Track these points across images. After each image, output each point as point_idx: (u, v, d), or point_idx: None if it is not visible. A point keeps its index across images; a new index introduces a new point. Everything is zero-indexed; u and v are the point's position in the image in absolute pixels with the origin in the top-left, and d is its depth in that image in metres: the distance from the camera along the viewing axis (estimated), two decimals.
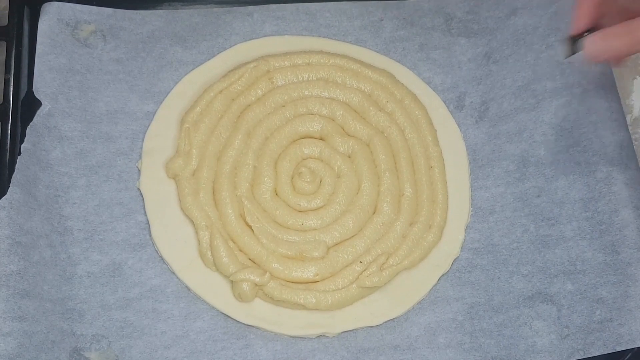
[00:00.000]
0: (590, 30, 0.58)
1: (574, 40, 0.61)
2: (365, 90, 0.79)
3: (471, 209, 0.76)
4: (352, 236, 0.74)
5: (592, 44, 0.57)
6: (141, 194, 0.75)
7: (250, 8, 0.82)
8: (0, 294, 0.65)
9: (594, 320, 0.69)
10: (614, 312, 0.68)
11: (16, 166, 0.70)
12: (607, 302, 0.69)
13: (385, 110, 0.78)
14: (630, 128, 0.77)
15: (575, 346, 0.69)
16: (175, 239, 0.74)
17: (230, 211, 0.74)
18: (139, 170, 0.76)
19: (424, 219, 0.74)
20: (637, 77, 0.84)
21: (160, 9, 0.82)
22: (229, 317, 0.71)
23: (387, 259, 0.73)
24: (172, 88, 0.79)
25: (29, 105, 0.74)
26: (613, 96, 0.76)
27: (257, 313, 0.71)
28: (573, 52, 0.61)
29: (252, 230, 0.73)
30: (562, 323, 0.70)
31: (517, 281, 0.72)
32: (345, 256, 0.73)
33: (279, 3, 0.83)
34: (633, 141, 0.76)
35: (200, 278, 0.72)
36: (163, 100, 0.78)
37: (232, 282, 0.71)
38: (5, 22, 0.78)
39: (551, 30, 0.79)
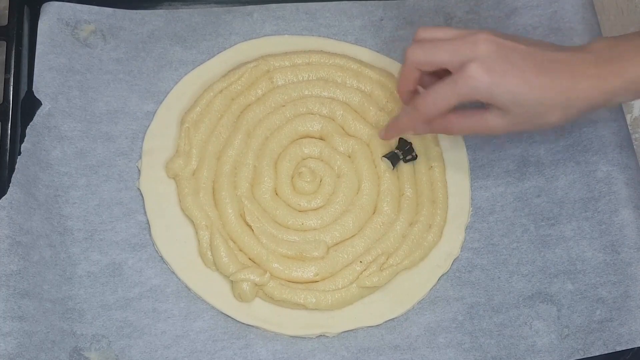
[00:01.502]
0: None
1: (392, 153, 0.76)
2: (365, 90, 0.79)
3: (471, 209, 0.76)
4: (352, 236, 0.74)
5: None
6: (141, 194, 0.75)
7: (250, 8, 0.82)
8: (0, 294, 0.65)
9: (594, 320, 0.69)
10: (614, 312, 0.68)
11: (16, 166, 0.70)
12: (607, 302, 0.69)
13: (385, 110, 0.78)
14: (630, 128, 0.77)
15: (575, 346, 0.69)
16: (175, 239, 0.74)
17: (230, 211, 0.73)
18: (139, 170, 0.76)
19: (424, 218, 0.74)
20: None
21: (160, 8, 0.82)
22: (229, 317, 0.71)
23: (387, 259, 0.73)
24: (172, 88, 0.79)
25: (29, 105, 0.74)
26: None
27: (257, 313, 0.71)
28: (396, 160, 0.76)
29: (252, 230, 0.73)
30: (562, 323, 0.70)
31: (517, 281, 0.72)
32: (345, 256, 0.73)
33: (279, 3, 0.83)
34: (633, 141, 0.76)
35: (200, 278, 0.72)
36: (163, 100, 0.78)
37: (232, 282, 0.71)
38: (5, 22, 0.78)
39: (551, 30, 0.80)
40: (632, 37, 0.66)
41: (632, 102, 0.83)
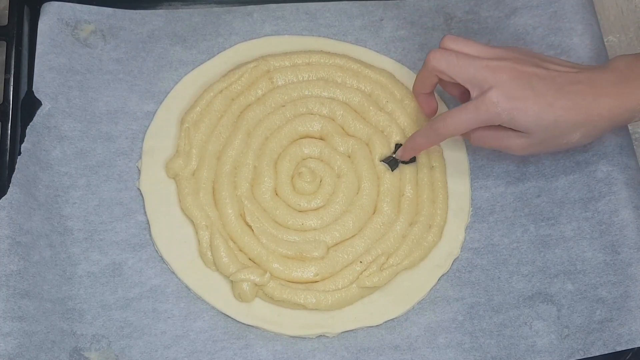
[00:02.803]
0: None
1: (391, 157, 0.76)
2: (365, 90, 0.79)
3: (471, 209, 0.76)
4: (352, 236, 0.74)
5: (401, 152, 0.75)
6: (141, 194, 0.75)
7: (250, 8, 0.82)
8: (0, 294, 0.65)
9: (594, 320, 0.69)
10: (614, 312, 0.68)
11: (16, 166, 0.70)
12: (607, 302, 0.69)
13: (385, 110, 0.78)
14: (630, 128, 0.77)
15: (575, 346, 0.69)
16: (175, 239, 0.74)
17: (230, 211, 0.73)
18: (139, 170, 0.76)
19: (424, 219, 0.74)
20: None
21: (160, 8, 0.82)
22: (229, 317, 0.71)
23: (387, 259, 0.73)
24: (172, 88, 0.79)
25: (29, 105, 0.74)
26: None
27: (257, 313, 0.71)
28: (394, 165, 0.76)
29: (252, 230, 0.73)
30: (562, 323, 0.70)
31: (517, 281, 0.72)
32: (345, 256, 0.73)
33: (279, 3, 0.83)
34: (633, 141, 0.76)
35: (200, 278, 0.72)
36: (163, 100, 0.78)
37: (232, 282, 0.71)
38: (5, 22, 0.78)
39: (551, 30, 0.80)
40: None
41: None
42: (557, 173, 0.75)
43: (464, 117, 0.67)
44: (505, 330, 0.70)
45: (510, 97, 0.65)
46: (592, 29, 0.79)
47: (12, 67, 0.76)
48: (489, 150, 0.77)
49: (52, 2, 0.78)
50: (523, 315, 0.71)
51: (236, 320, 0.71)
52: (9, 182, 0.69)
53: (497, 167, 0.77)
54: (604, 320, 0.68)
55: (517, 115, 0.65)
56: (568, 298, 0.70)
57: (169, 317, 0.70)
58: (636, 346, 0.67)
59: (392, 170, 0.76)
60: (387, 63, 0.81)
